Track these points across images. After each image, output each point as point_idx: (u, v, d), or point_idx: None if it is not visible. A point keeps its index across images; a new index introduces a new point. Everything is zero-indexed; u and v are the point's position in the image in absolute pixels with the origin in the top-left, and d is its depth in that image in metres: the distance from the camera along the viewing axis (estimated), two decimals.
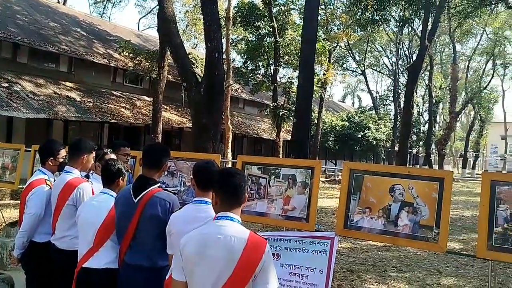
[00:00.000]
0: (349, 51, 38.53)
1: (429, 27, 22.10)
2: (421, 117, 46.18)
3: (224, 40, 16.80)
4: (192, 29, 36.24)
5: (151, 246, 2.85)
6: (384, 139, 34.11)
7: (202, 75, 10.92)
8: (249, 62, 24.67)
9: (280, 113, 22.00)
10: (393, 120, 37.62)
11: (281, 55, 22.93)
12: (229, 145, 20.80)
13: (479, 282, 6.13)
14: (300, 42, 15.60)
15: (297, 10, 24.40)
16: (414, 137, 41.74)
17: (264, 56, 23.79)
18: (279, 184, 4.42)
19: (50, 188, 3.63)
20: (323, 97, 28.22)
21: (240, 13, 22.64)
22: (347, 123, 32.42)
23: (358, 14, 20.86)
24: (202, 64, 17.02)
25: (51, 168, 3.81)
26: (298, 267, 3.94)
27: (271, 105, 22.86)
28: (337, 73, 35.79)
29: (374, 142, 32.23)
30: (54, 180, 3.72)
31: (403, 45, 40.14)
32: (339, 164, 31.73)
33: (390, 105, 45.49)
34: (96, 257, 3.01)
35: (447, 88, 40.85)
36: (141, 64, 19.83)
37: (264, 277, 2.03)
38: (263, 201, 4.45)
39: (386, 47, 43.70)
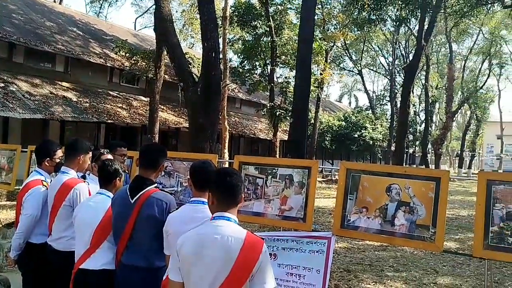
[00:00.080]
0: (346, 51, 38.58)
1: (426, 27, 22.16)
2: (417, 116, 46.28)
3: (221, 40, 16.82)
4: (189, 28, 36.23)
5: (148, 247, 2.85)
6: (381, 138, 34.17)
7: (199, 75, 10.91)
8: (246, 61, 24.64)
9: (277, 113, 21.99)
10: (389, 120, 37.70)
11: (278, 54, 22.91)
12: (226, 145, 20.77)
13: (476, 281, 6.15)
14: (297, 41, 15.58)
15: (294, 9, 24.39)
16: (411, 137, 41.83)
17: (261, 55, 23.77)
18: (276, 184, 4.42)
19: (47, 188, 3.62)
20: (320, 97, 28.22)
21: (237, 13, 22.61)
22: (344, 123, 32.46)
23: (355, 13, 20.88)
24: (199, 64, 16.99)
25: (47, 168, 3.80)
26: (295, 267, 3.95)
27: (268, 105, 22.84)
28: (334, 73, 35.82)
29: (371, 142, 32.29)
30: (51, 180, 3.71)
31: (400, 44, 40.26)
32: (336, 164, 31.80)
33: (386, 104, 45.59)
34: (93, 258, 3.01)
35: (444, 87, 40.98)
36: (138, 64, 19.78)
37: (261, 277, 2.04)
38: (260, 201, 4.45)
39: (383, 46, 43.81)
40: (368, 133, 31.90)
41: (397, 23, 25.09)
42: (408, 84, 22.88)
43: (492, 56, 38.74)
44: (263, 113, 24.07)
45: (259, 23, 22.58)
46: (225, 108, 20.71)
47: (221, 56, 15.52)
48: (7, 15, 18.68)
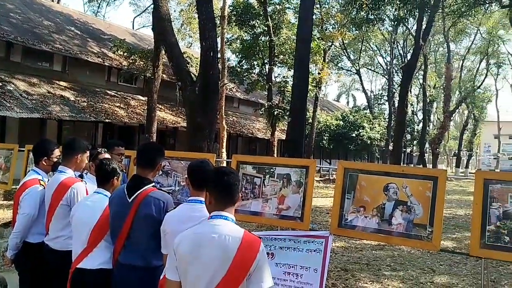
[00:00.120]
0: (344, 50, 38.62)
1: (424, 26, 22.20)
2: (415, 116, 46.39)
3: (219, 39, 16.79)
4: (187, 28, 36.22)
5: (145, 246, 2.85)
6: (379, 138, 34.23)
7: (197, 74, 10.90)
8: (244, 61, 24.67)
9: (275, 113, 22.01)
10: (387, 119, 37.75)
11: (276, 54, 22.93)
12: (224, 144, 20.79)
13: (472, 280, 6.17)
14: (295, 41, 15.60)
15: (292, 9, 24.42)
16: (408, 136, 41.92)
17: (259, 55, 23.79)
18: (274, 184, 4.43)
19: (44, 188, 3.61)
20: (318, 97, 28.25)
21: (235, 12, 22.62)
22: (341, 123, 32.50)
23: (353, 13, 20.89)
24: (197, 63, 17.00)
25: (45, 168, 3.79)
26: (292, 266, 3.95)
27: (266, 104, 22.86)
28: (332, 72, 35.83)
29: (369, 141, 32.34)
30: (48, 180, 3.70)
31: (398, 44, 40.28)
32: (334, 163, 31.82)
33: (384, 104, 45.67)
34: (91, 258, 3.00)
35: (441, 87, 41.05)
36: (136, 63, 19.78)
37: (258, 275, 2.04)
38: (257, 200, 4.45)
39: (381, 46, 43.83)
40: (366, 132, 31.95)
41: (395, 22, 25.18)
42: (406, 84, 22.91)
43: (489, 56, 38.81)
44: (261, 113, 24.11)
45: (257, 22, 22.60)
46: (223, 108, 20.72)
47: (219, 55, 15.50)
48: (4, 14, 18.64)
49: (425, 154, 38.81)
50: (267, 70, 23.45)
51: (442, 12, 23.26)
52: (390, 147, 30.99)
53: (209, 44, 10.22)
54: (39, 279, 3.54)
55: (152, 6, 12.18)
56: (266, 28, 22.38)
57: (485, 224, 3.53)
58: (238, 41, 25.61)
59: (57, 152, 3.82)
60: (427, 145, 39.53)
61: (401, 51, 40.60)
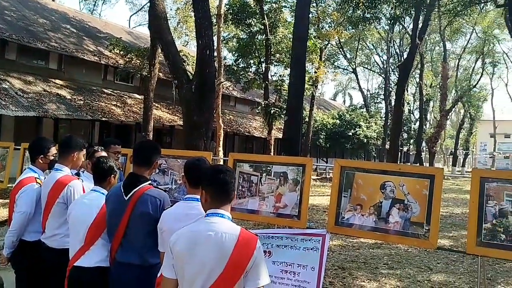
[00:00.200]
0: (340, 49, 38.60)
1: (420, 25, 22.25)
2: (412, 115, 46.46)
3: (215, 38, 16.77)
4: (183, 26, 36.16)
5: (142, 244, 2.84)
6: (375, 137, 34.25)
7: (193, 73, 10.88)
8: (240, 59, 24.63)
9: (272, 111, 22.00)
10: (384, 118, 37.79)
11: (272, 52, 22.91)
12: (221, 143, 20.77)
13: (469, 278, 6.19)
14: (291, 39, 15.59)
15: (288, 7, 24.41)
16: (405, 135, 41.97)
17: (256, 53, 23.76)
18: (271, 182, 4.43)
19: (40, 186, 3.60)
20: (314, 95, 28.25)
21: (231, 11, 22.59)
22: (338, 121, 32.50)
23: (349, 12, 20.91)
24: (193, 62, 16.97)
25: (41, 166, 3.78)
26: (289, 265, 3.96)
27: (263, 103, 22.85)
28: (328, 71, 35.82)
29: (365, 140, 32.36)
30: (44, 178, 3.69)
31: (394, 43, 40.36)
32: (330, 162, 31.84)
33: (381, 103, 45.73)
34: (88, 256, 3.00)
35: (438, 86, 41.12)
36: (132, 62, 19.71)
37: (255, 273, 2.04)
38: (254, 198, 4.46)
39: (377, 45, 43.88)
40: (363, 131, 31.97)
41: (392, 21, 25.14)
42: (403, 83, 22.96)
43: (485, 55, 38.92)
44: (257, 111, 24.09)
45: (254, 21, 22.56)
46: (220, 106, 20.70)
47: (215, 54, 15.50)
48: None
49: (422, 153, 38.92)
50: (263, 68, 23.43)
51: (438, 11, 23.31)
52: (387, 146, 31.07)
53: (206, 42, 10.20)
54: (36, 277, 3.54)
55: (148, 4, 12.15)
56: (262, 27, 22.35)
57: (482, 222, 3.55)
58: (235, 39, 25.58)
59: (53, 150, 3.81)
60: (423, 144, 39.63)
61: (397, 50, 40.69)
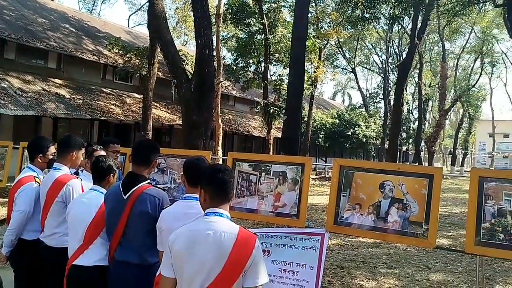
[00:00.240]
0: (340, 49, 38.61)
1: (419, 25, 22.28)
2: (411, 114, 46.47)
3: (214, 37, 16.76)
4: (183, 26, 36.11)
5: (140, 243, 2.85)
6: (374, 136, 34.27)
7: (192, 72, 10.88)
8: (239, 59, 24.63)
9: (271, 111, 21.99)
10: (383, 118, 37.81)
11: (271, 52, 22.91)
12: (220, 142, 20.76)
13: (467, 277, 6.20)
14: (290, 39, 15.60)
15: (287, 7, 24.41)
16: (404, 135, 42.00)
17: (255, 53, 23.75)
18: (270, 181, 4.43)
19: (39, 185, 3.59)
20: (314, 95, 28.24)
21: (230, 10, 22.58)
22: (337, 121, 32.51)
23: (348, 11, 20.90)
24: (192, 61, 16.95)
25: (40, 165, 3.77)
26: (288, 264, 3.96)
27: (262, 102, 22.84)
28: (327, 71, 35.82)
29: (364, 140, 32.37)
30: (43, 177, 3.68)
31: (393, 43, 40.37)
32: (329, 161, 31.87)
33: (380, 102, 45.74)
34: (86, 255, 3.00)
35: (437, 85, 41.15)
36: (131, 61, 19.71)
37: (254, 272, 2.04)
38: (253, 197, 4.46)
39: (376, 45, 43.91)
40: (362, 130, 31.99)
41: (391, 21, 25.16)
42: (402, 82, 22.99)
43: (484, 55, 38.97)
44: (256, 111, 24.06)
45: (253, 20, 22.55)
46: (219, 105, 20.69)
47: (214, 53, 15.49)
48: None
49: (421, 153, 38.95)
50: (262, 68, 23.42)
51: (437, 11, 23.33)
52: (386, 146, 31.08)
53: (205, 42, 10.20)
54: (35, 276, 3.53)
55: (148, 4, 12.14)
56: (261, 26, 22.35)
57: (480, 222, 3.56)
58: (234, 39, 25.58)
59: (52, 149, 3.81)
60: (422, 144, 39.68)
61: (396, 50, 40.71)
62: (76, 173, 3.78)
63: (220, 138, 20.86)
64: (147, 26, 14.25)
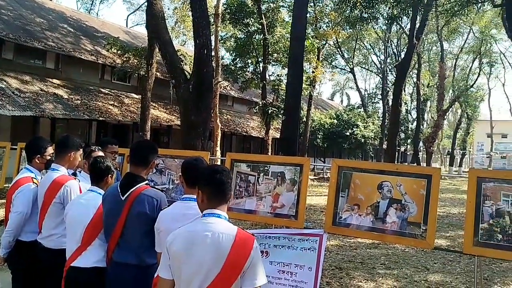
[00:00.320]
0: (338, 49, 38.62)
1: (417, 25, 22.29)
2: (409, 115, 46.51)
3: (213, 37, 16.76)
4: (181, 26, 36.05)
5: (138, 244, 2.84)
6: (373, 136, 34.30)
7: (190, 72, 10.87)
8: (238, 59, 24.62)
9: (269, 111, 21.99)
10: (381, 118, 37.82)
11: (270, 52, 22.91)
12: (218, 142, 20.76)
13: (466, 278, 6.21)
14: (289, 39, 15.58)
15: (286, 7, 24.40)
16: (402, 135, 42.04)
17: (253, 53, 23.75)
18: (268, 182, 4.42)
19: (37, 186, 3.58)
20: (312, 95, 28.25)
21: (229, 10, 22.57)
22: (335, 121, 32.52)
23: (347, 11, 20.88)
24: (190, 61, 16.92)
25: (38, 166, 3.76)
26: (287, 265, 3.95)
27: (260, 102, 22.84)
28: (326, 71, 35.86)
29: (363, 140, 32.39)
30: (41, 178, 3.67)
31: (392, 43, 40.38)
32: (328, 162, 31.87)
33: (378, 103, 45.75)
34: (84, 256, 2.99)
35: (435, 86, 41.19)
36: (130, 61, 19.68)
37: (252, 273, 2.03)
38: (252, 198, 4.45)
39: (375, 45, 43.91)
40: (360, 131, 32.01)
41: (389, 21, 25.21)
42: (400, 82, 23.00)
43: (482, 55, 39.02)
44: (255, 111, 24.06)
45: (251, 20, 22.55)
46: (217, 106, 20.68)
47: (213, 53, 15.47)
48: None
49: (419, 153, 38.98)
50: (261, 68, 23.42)
51: (435, 11, 23.35)
52: (384, 146, 31.09)
53: (203, 42, 10.19)
54: (32, 277, 3.52)
55: (146, 3, 12.12)
56: (260, 26, 22.35)
57: (478, 222, 3.55)
58: (232, 39, 25.57)
59: (50, 150, 3.80)
60: (421, 144, 39.68)
61: (395, 50, 40.71)
62: (74, 174, 3.77)
63: (219, 138, 20.86)
64: (145, 26, 14.25)
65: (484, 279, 5.68)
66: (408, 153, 49.97)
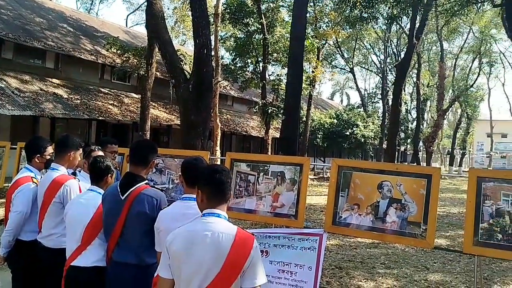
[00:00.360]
0: (338, 49, 38.62)
1: (417, 25, 22.29)
2: (409, 114, 46.53)
3: (212, 37, 16.75)
4: (181, 25, 36.02)
5: (138, 243, 2.84)
6: (372, 136, 34.31)
7: (190, 72, 10.87)
8: (238, 59, 24.62)
9: (269, 111, 21.99)
10: (381, 118, 37.83)
11: (270, 52, 22.91)
12: (218, 142, 20.75)
13: (465, 277, 6.20)
14: (289, 39, 15.59)
15: (286, 7, 24.40)
16: (402, 135, 42.05)
17: (253, 53, 23.74)
18: (268, 181, 4.42)
19: (37, 185, 3.58)
20: (312, 95, 28.25)
21: (228, 10, 22.56)
22: (335, 121, 32.53)
23: (347, 11, 20.90)
24: (190, 61, 16.94)
25: (37, 165, 3.76)
26: (287, 264, 3.95)
27: (260, 102, 22.84)
28: (325, 71, 35.84)
29: (362, 140, 32.40)
30: (41, 177, 3.67)
31: (391, 42, 40.39)
32: (328, 162, 31.88)
33: (378, 102, 45.77)
34: (84, 256, 2.99)
35: (435, 85, 41.21)
36: (129, 61, 19.67)
37: (252, 272, 2.03)
38: (252, 198, 4.45)
39: (375, 44, 43.91)
40: (360, 130, 32.02)
41: (389, 21, 25.22)
42: (400, 82, 23.01)
43: (482, 55, 39.03)
44: (255, 111, 24.06)
45: (251, 20, 22.55)
46: (217, 105, 20.68)
47: (213, 53, 15.47)
48: None
49: (419, 153, 38.99)
50: (261, 68, 23.42)
51: (435, 11, 23.36)
52: (384, 146, 31.09)
53: (203, 41, 10.19)
54: (32, 277, 3.52)
55: (146, 3, 12.12)
56: (260, 26, 22.34)
57: (478, 222, 3.55)
58: (232, 39, 25.58)
59: (50, 149, 3.79)
60: (421, 144, 39.70)
61: (394, 50, 40.73)
62: (74, 174, 3.77)
63: (218, 138, 20.86)
64: (145, 26, 14.25)
65: (484, 278, 5.68)
66: (408, 153, 49.99)
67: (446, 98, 40.75)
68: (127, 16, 71.10)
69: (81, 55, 19.58)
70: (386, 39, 38.87)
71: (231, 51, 26.05)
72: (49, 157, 3.75)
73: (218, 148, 20.47)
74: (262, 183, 4.44)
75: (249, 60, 24.51)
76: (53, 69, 19.05)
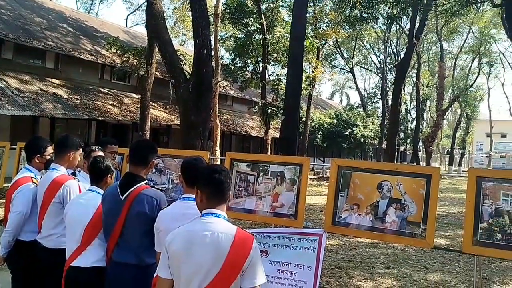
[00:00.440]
0: (338, 49, 38.64)
1: (417, 25, 22.30)
2: (408, 114, 46.56)
3: (212, 37, 16.74)
4: (181, 26, 36.03)
5: (138, 244, 2.84)
6: (372, 136, 34.30)
7: (190, 72, 10.87)
8: (237, 59, 24.63)
9: (269, 111, 22.00)
10: (381, 118, 37.84)
11: (269, 52, 22.92)
12: (218, 142, 20.75)
13: (465, 277, 6.21)
14: (288, 39, 15.60)
15: (285, 7, 24.41)
16: (402, 135, 42.06)
17: (253, 53, 23.75)
18: (268, 181, 4.42)
19: (36, 185, 3.58)
20: (312, 95, 28.26)
21: (228, 10, 22.57)
22: (335, 121, 32.53)
23: (347, 11, 20.90)
24: (190, 61, 16.95)
25: (37, 165, 3.76)
26: (286, 264, 3.95)
27: (260, 102, 22.85)
28: (325, 71, 35.84)
29: (362, 140, 32.39)
30: (41, 177, 3.67)
31: (391, 42, 40.41)
32: (327, 161, 31.89)
33: (378, 102, 45.79)
34: (84, 256, 2.99)
35: (434, 85, 41.23)
36: (129, 61, 19.68)
37: (251, 272, 2.04)
38: (251, 198, 4.44)
39: (374, 44, 43.95)
40: (359, 130, 32.02)
41: (389, 21, 25.23)
42: (399, 82, 23.02)
43: (481, 55, 39.07)
44: (254, 111, 24.07)
45: (251, 20, 22.56)
46: (217, 105, 20.68)
47: (212, 53, 15.48)
48: None
49: (419, 152, 39.00)
50: (260, 68, 23.44)
51: (435, 11, 23.37)
52: (384, 145, 31.10)
53: (203, 41, 10.19)
54: (32, 277, 3.52)
55: (146, 3, 12.12)
56: (259, 26, 22.35)
57: (478, 222, 3.55)
58: (232, 39, 25.59)
59: (49, 149, 3.79)
60: (420, 143, 39.71)
61: (394, 50, 40.74)
62: (74, 174, 3.77)
63: (218, 138, 20.86)
64: (145, 26, 14.25)
65: (483, 278, 5.68)
66: (407, 153, 50.00)
67: (446, 98, 40.75)
68: (127, 16, 71.20)
69: (81, 55, 19.59)
70: (386, 39, 38.89)
71: (231, 51, 26.06)
72: (49, 157, 3.75)
73: (218, 148, 20.47)
74: (261, 183, 4.44)
75: (249, 60, 24.52)
76: (53, 69, 19.06)
